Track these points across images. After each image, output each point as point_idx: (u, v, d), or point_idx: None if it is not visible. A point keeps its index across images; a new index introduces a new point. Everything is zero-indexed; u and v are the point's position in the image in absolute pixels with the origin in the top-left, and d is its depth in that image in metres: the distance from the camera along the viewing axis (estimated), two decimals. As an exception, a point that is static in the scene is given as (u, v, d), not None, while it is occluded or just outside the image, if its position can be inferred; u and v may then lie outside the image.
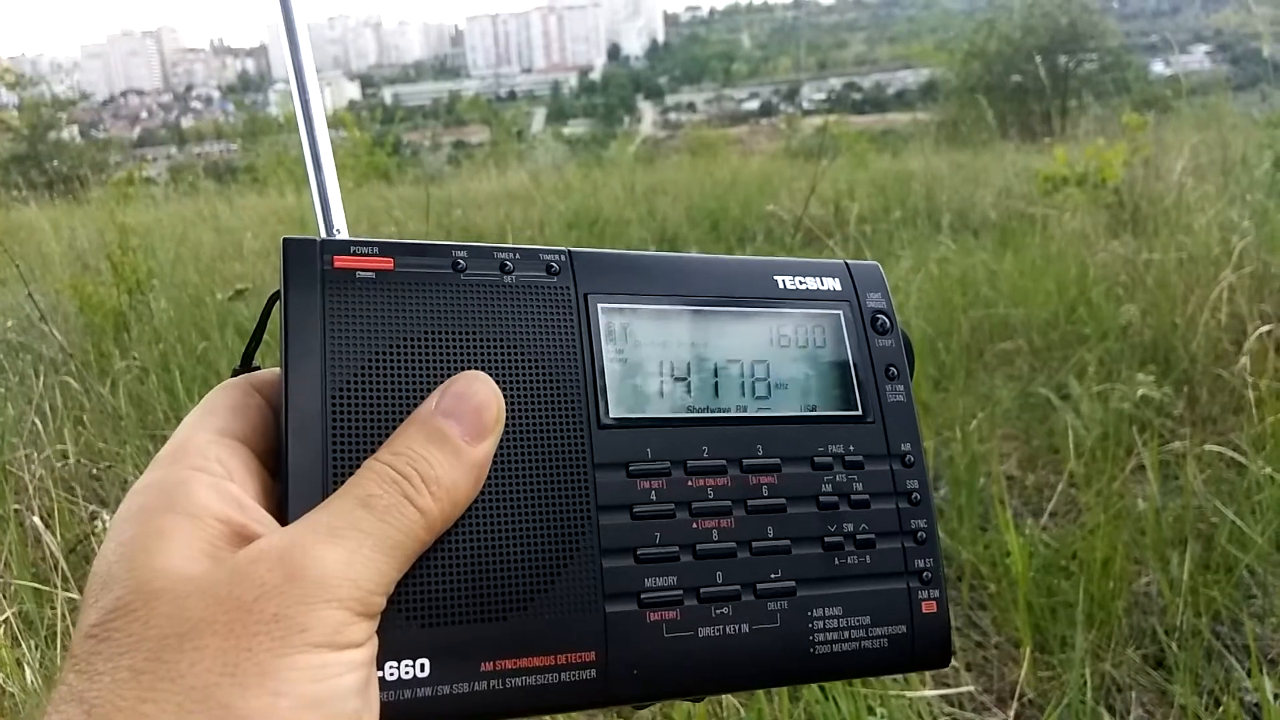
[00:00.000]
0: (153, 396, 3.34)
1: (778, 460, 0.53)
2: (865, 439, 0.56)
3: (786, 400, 0.56)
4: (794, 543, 0.52)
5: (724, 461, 0.52)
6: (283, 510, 0.43)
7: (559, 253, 0.53)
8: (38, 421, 2.91)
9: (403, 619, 0.44)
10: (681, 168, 10.96)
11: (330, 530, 0.39)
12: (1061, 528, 2.50)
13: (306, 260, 0.48)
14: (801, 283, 0.58)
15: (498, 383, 0.47)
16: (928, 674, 2.01)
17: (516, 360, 0.49)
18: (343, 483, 0.43)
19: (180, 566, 0.37)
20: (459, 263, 0.50)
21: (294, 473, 0.44)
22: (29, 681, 1.79)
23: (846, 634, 0.52)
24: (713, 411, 0.54)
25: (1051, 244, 4.49)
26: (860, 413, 0.57)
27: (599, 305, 0.53)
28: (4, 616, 2.04)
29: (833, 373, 0.57)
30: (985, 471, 2.62)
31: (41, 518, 2.23)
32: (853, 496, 0.54)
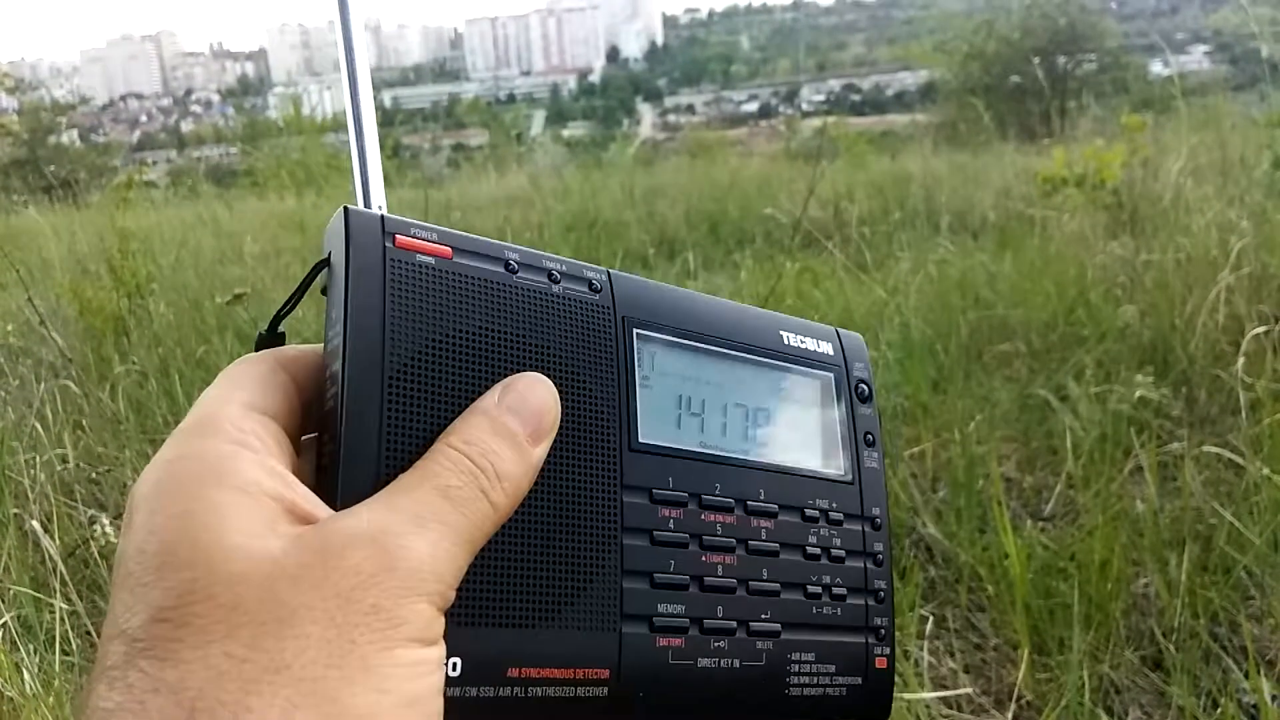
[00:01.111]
0: (152, 401, 3.34)
1: (776, 506, 0.55)
2: (845, 499, 0.58)
3: (782, 451, 0.57)
4: (783, 587, 0.54)
5: (732, 500, 0.53)
6: (329, 490, 0.42)
7: (601, 271, 0.53)
8: (38, 426, 2.91)
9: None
10: (680, 170, 10.97)
11: (417, 518, 0.38)
12: (1060, 529, 2.51)
13: (370, 234, 0.46)
14: (802, 341, 0.60)
15: None
16: (926, 676, 2.02)
17: (562, 370, 0.49)
18: (394, 468, 0.42)
19: (255, 546, 0.35)
20: (511, 264, 0.50)
21: (348, 452, 0.42)
22: (27, 686, 1.79)
23: (816, 679, 0.54)
24: (720, 450, 0.54)
25: (1050, 245, 4.50)
26: (844, 474, 0.59)
27: (635, 331, 0.53)
28: (2, 621, 2.04)
29: (824, 432, 0.59)
30: (983, 473, 2.63)
31: (41, 522, 2.24)
32: (832, 551, 0.56)
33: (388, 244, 0.46)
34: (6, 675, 1.84)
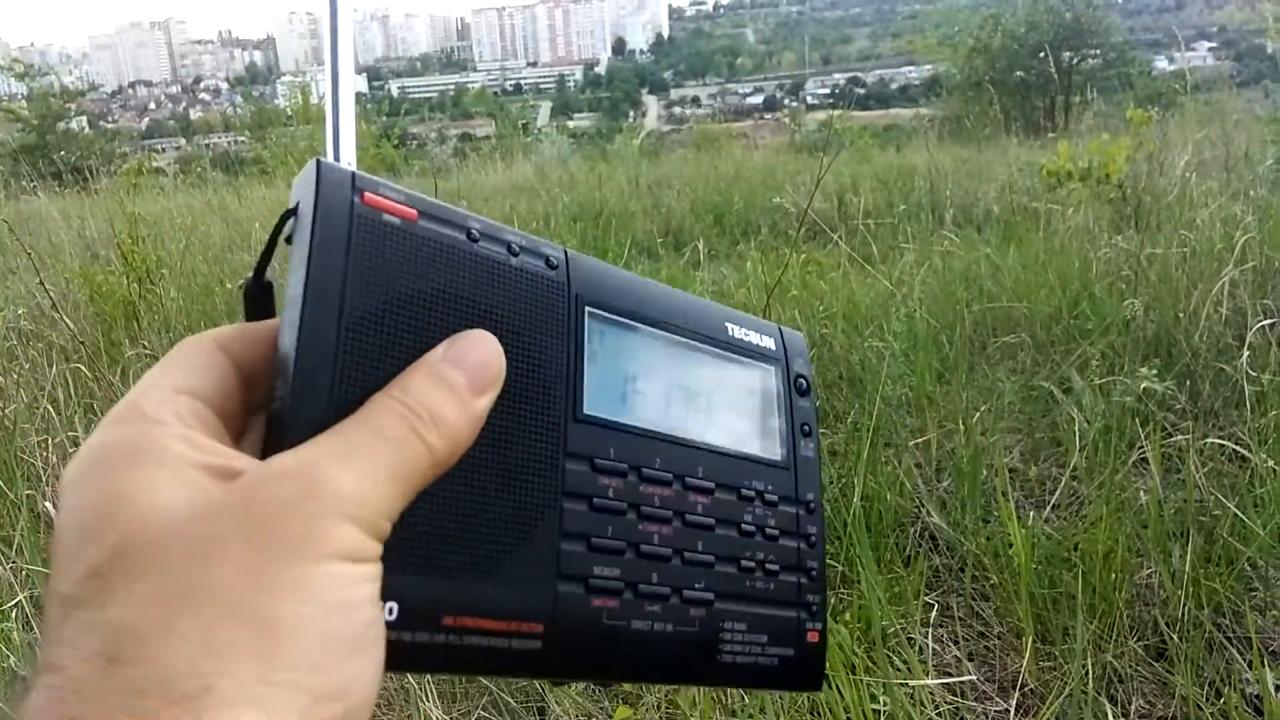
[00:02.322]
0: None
1: (713, 484, 0.57)
2: (781, 482, 0.61)
3: (721, 434, 0.59)
4: (717, 559, 0.56)
5: (671, 475, 0.55)
6: (277, 433, 0.42)
7: (558, 250, 0.55)
8: (50, 409, 2.92)
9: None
10: (686, 162, 10.96)
11: (344, 453, 0.40)
12: (1064, 520, 2.52)
13: (340, 188, 0.47)
14: (746, 334, 0.64)
15: None
16: (930, 663, 2.03)
17: (514, 338, 0.50)
18: (341, 416, 0.42)
19: (179, 499, 0.36)
20: (472, 233, 0.51)
21: (297, 396, 0.43)
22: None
23: (747, 648, 0.57)
24: (665, 428, 0.57)
25: (1055, 239, 4.50)
26: (780, 460, 0.62)
27: (587, 309, 0.55)
28: (16, 601, 2.06)
29: (763, 420, 0.63)
30: (988, 464, 2.63)
31: (53, 504, 2.25)
32: (766, 530, 0.59)
33: (356, 200, 0.47)
34: (20, 655, 1.86)
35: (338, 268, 0.46)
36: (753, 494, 0.59)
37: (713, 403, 0.60)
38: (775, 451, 0.62)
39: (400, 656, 0.44)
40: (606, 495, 0.52)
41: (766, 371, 0.64)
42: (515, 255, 0.52)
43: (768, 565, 0.59)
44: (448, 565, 0.46)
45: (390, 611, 0.43)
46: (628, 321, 0.57)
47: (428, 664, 0.46)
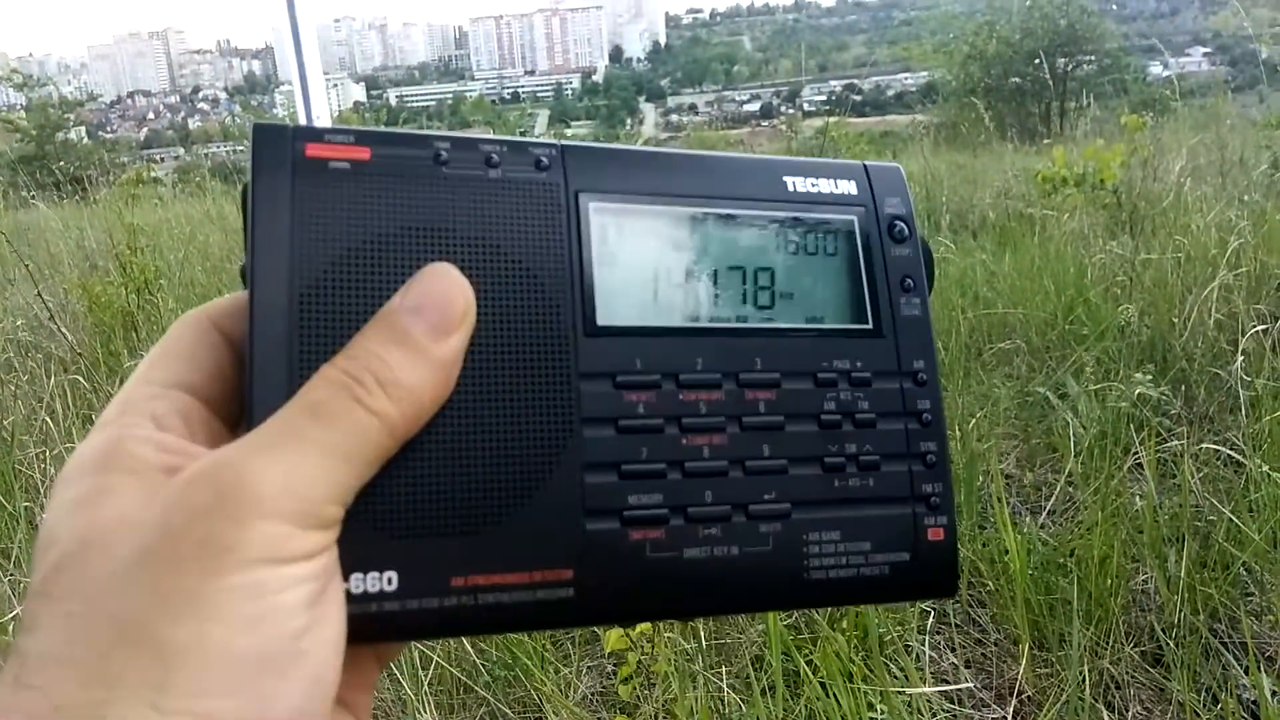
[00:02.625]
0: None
1: (777, 375, 0.50)
2: (875, 354, 0.52)
3: (791, 311, 0.52)
4: (791, 463, 0.49)
5: (719, 375, 0.49)
6: (248, 424, 0.40)
7: (551, 146, 0.49)
8: (48, 420, 2.92)
9: (371, 529, 0.41)
10: (683, 169, 10.93)
11: (269, 442, 0.37)
12: (1059, 526, 2.52)
13: (277, 147, 0.44)
14: (814, 185, 0.55)
15: (478, 284, 0.44)
16: (927, 670, 2.03)
17: (499, 261, 0.46)
18: None
19: (117, 514, 0.35)
20: (440, 154, 0.46)
21: (258, 382, 0.41)
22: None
23: (844, 560, 0.49)
24: (711, 321, 0.50)
25: (1050, 244, 4.50)
26: (871, 326, 0.53)
27: (590, 204, 0.49)
28: (15, 613, 2.06)
29: (843, 282, 0.54)
30: (984, 470, 2.64)
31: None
32: (857, 415, 0.51)
33: (296, 155, 0.44)
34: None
35: (282, 234, 0.43)
36: (834, 376, 0.51)
37: (776, 277, 0.52)
38: (862, 316, 0.53)
39: (408, 625, 0.42)
40: (636, 413, 0.47)
41: (845, 221, 0.54)
42: (494, 167, 0.47)
43: (863, 458, 0.51)
44: (448, 523, 0.43)
45: (390, 582, 0.41)
46: (647, 207, 0.50)
47: (440, 630, 0.43)
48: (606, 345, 0.47)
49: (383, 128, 0.49)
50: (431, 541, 0.42)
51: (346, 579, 0.41)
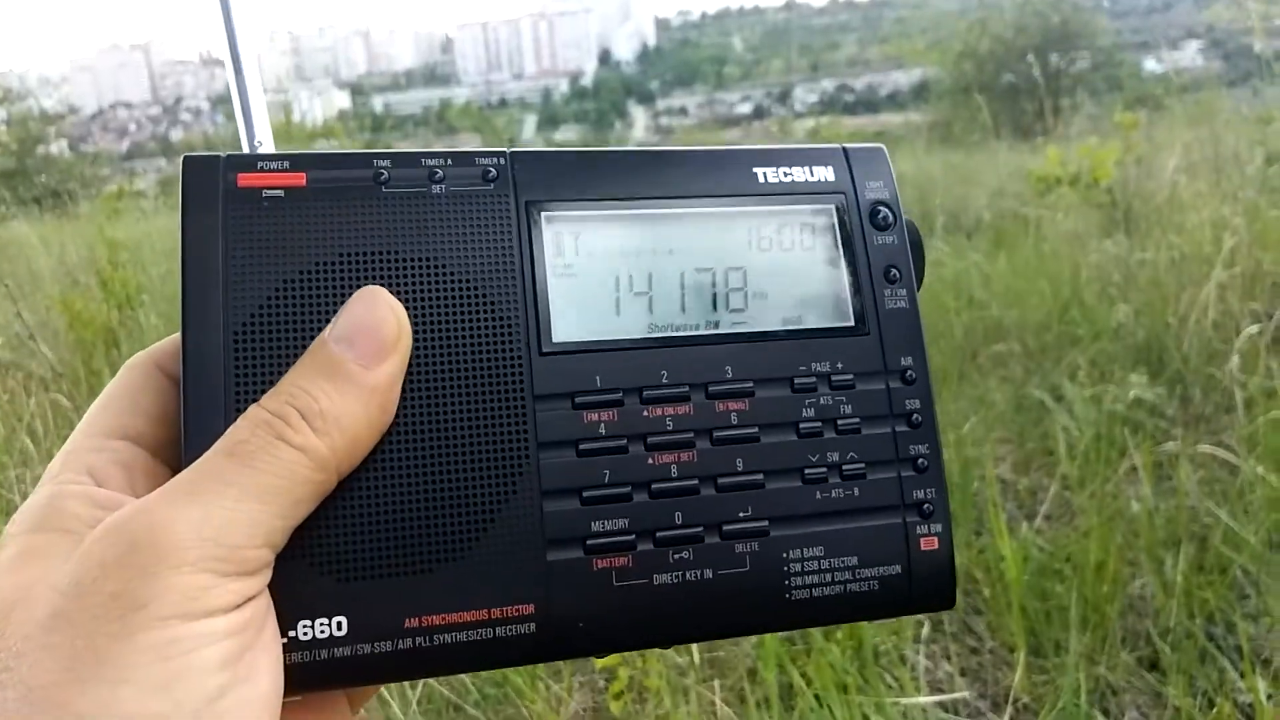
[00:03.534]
0: (144, 413, 3.32)
1: (750, 383, 0.48)
2: (858, 354, 0.50)
3: (766, 313, 0.50)
4: (768, 477, 0.47)
5: (687, 387, 0.47)
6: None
7: (497, 155, 0.47)
8: (28, 441, 2.90)
9: (315, 573, 0.40)
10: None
11: (187, 488, 0.36)
12: (1055, 530, 2.50)
13: (207, 179, 0.43)
14: (787, 174, 0.52)
15: (421, 308, 0.43)
16: (923, 680, 2.01)
17: (444, 281, 0.44)
18: None
19: (44, 573, 0.35)
20: (381, 174, 0.45)
21: (193, 428, 0.39)
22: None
23: (829, 577, 0.47)
24: (677, 330, 0.48)
25: (1044, 244, 4.50)
26: (853, 324, 0.51)
27: (542, 214, 0.47)
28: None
29: (822, 278, 0.51)
30: (979, 475, 2.62)
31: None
32: (839, 422, 0.49)
33: (229, 186, 0.43)
34: None
35: (213, 269, 0.41)
36: (813, 380, 0.49)
37: (749, 276, 0.50)
38: (844, 313, 0.50)
39: (361, 671, 0.40)
40: (596, 434, 0.45)
41: (821, 211, 0.52)
42: (439, 182, 0.46)
43: (846, 468, 0.48)
44: (398, 563, 0.41)
45: (340, 627, 0.40)
46: (605, 212, 0.48)
47: (396, 674, 0.42)
48: (563, 363, 0.45)
49: (324, 149, 0.47)
50: (381, 582, 0.41)
51: (293, 626, 0.39)
